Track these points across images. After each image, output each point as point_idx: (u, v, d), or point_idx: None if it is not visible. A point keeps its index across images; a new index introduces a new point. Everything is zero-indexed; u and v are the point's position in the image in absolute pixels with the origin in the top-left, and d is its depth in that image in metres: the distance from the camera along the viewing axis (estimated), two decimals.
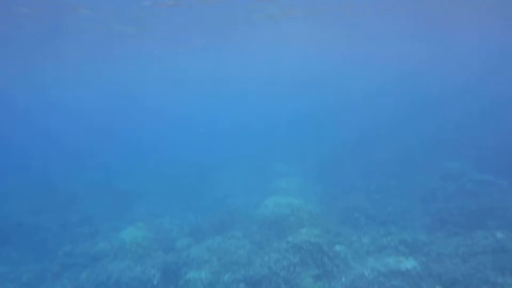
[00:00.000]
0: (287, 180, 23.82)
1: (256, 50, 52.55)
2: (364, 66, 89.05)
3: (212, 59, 56.41)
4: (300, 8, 27.25)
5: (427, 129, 34.33)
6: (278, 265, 12.02)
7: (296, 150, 33.13)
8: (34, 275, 16.46)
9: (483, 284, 10.85)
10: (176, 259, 14.94)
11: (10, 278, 16.28)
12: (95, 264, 16.19)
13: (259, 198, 19.51)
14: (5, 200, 26.80)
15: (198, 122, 58.38)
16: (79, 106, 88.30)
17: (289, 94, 76.37)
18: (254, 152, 35.78)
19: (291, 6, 26.10)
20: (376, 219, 17.53)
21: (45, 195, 27.13)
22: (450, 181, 20.11)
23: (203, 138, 47.19)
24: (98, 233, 20.16)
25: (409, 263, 12.38)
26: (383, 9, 30.28)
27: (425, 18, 36.45)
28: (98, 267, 15.50)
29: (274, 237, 15.66)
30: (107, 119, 72.62)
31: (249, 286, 11.85)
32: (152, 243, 17.19)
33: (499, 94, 52.48)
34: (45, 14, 21.86)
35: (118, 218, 22.28)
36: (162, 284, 13.87)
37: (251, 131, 47.06)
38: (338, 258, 13.02)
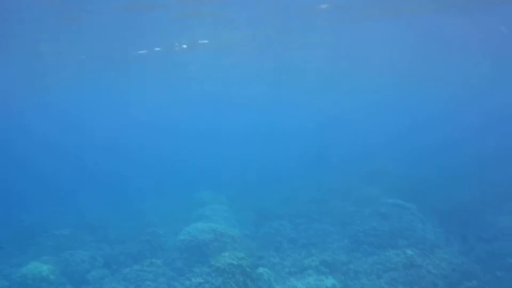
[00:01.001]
0: (211, 208, 23.48)
1: None
2: None
3: None
4: None
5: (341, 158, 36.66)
6: None
7: (221, 178, 33.18)
8: None
9: None
10: None
11: None
12: None
13: (182, 226, 18.94)
14: None
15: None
16: None
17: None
18: (179, 181, 35.11)
19: None
20: (298, 242, 17.85)
21: None
22: (365, 205, 21.27)
23: (126, 166, 45.06)
24: None
25: (329, 282, 12.66)
26: None
27: None
28: None
29: (196, 262, 15.16)
30: None
31: None
32: (59, 277, 15.58)
33: (409, 120, 57.79)
34: None
35: (19, 254, 20.00)
36: None
37: (172, 159, 46.33)
38: (261, 280, 12.92)
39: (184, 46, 32.67)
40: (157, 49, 33.86)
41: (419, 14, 28.00)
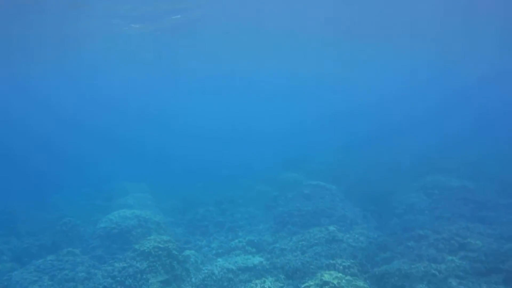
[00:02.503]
0: (134, 197, 22.57)
1: None
2: None
3: None
4: None
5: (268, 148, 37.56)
6: (124, 274, 11.01)
7: (144, 168, 32.09)
8: None
9: (319, 269, 11.86)
10: None
11: None
12: None
13: (102, 215, 17.91)
14: None
15: None
16: None
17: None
18: (98, 172, 33.28)
19: None
20: (225, 226, 17.83)
21: None
22: (289, 189, 21.91)
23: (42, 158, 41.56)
24: None
25: (256, 260, 12.82)
26: None
27: None
28: None
29: (119, 250, 14.44)
30: None
31: None
32: None
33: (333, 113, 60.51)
34: None
35: None
36: None
37: (91, 152, 43.84)
38: (188, 262, 12.68)
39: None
40: None
41: None
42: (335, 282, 9.46)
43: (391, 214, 17.67)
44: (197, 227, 17.88)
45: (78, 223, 18.01)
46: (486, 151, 27.70)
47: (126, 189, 25.44)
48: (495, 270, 10.70)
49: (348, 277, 9.98)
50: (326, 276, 9.72)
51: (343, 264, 11.20)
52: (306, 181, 21.87)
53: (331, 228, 14.50)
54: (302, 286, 9.79)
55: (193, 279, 11.32)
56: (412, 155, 28.57)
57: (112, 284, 10.42)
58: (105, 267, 11.62)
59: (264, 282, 9.99)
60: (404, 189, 20.39)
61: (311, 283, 9.67)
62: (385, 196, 20.35)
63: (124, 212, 16.43)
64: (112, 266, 11.54)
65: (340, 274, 10.02)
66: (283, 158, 32.22)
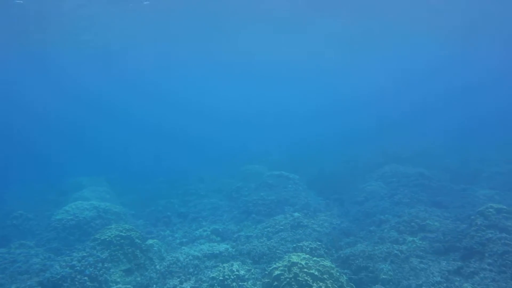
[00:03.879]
0: (91, 190, 21.64)
1: None
2: None
3: None
4: None
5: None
6: (84, 263, 10.45)
7: (102, 164, 30.96)
8: None
9: (285, 253, 11.86)
10: None
11: None
12: None
13: (57, 209, 16.99)
14: None
15: None
16: None
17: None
18: (53, 168, 31.73)
19: None
20: (188, 217, 17.48)
21: None
22: (252, 181, 21.88)
23: None
24: None
25: (221, 247, 12.62)
26: None
27: None
28: None
29: (76, 242, 13.75)
30: None
31: None
32: None
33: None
34: None
35: None
36: None
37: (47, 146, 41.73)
38: (151, 251, 12.27)
39: None
40: None
41: None
42: (303, 262, 9.47)
43: (353, 202, 18.04)
44: (159, 219, 17.39)
45: (30, 217, 17.03)
46: (438, 143, 29.06)
47: (82, 183, 24.37)
48: (452, 248, 11.15)
49: (315, 258, 10.04)
50: (294, 258, 9.71)
51: (310, 246, 11.26)
52: (268, 172, 21.90)
53: (296, 214, 14.59)
54: (270, 268, 9.73)
55: (157, 266, 10.95)
56: (370, 148, 29.42)
57: (71, 274, 9.84)
58: (63, 258, 11.00)
59: (232, 265, 9.83)
60: (364, 179, 20.93)
61: (279, 265, 9.63)
62: (346, 186, 20.81)
63: (82, 203, 15.71)
64: (71, 256, 10.93)
65: (308, 256, 10.06)
66: (245, 152, 32.27)
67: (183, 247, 12.93)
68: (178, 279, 9.81)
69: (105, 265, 10.69)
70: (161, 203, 19.51)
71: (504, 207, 11.19)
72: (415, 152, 25.04)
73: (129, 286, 9.92)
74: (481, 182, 18.06)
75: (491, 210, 11.18)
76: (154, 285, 9.81)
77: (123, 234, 11.80)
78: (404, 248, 11.75)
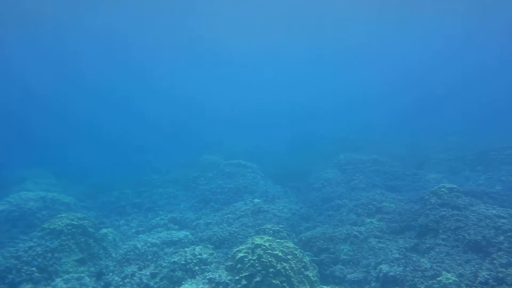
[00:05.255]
0: (34, 182, 20.30)
1: None
2: None
3: None
4: None
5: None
6: (31, 253, 9.65)
7: (47, 155, 29.14)
8: None
9: (246, 238, 11.70)
10: None
11: None
12: None
13: None
14: None
15: None
16: None
17: None
18: None
19: None
20: (143, 207, 16.84)
21: None
22: (209, 170, 21.49)
23: None
24: None
25: (181, 234, 12.24)
26: None
27: None
28: None
29: (21, 234, 12.72)
30: None
31: None
32: None
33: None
34: None
35: None
36: None
37: None
38: (106, 240, 11.62)
39: None
40: None
41: None
42: (267, 244, 9.35)
43: (310, 189, 18.23)
44: (113, 209, 16.60)
45: None
46: (384, 132, 30.26)
47: (24, 176, 22.73)
48: (409, 227, 11.52)
49: (278, 240, 9.96)
50: (257, 240, 9.56)
51: (273, 228, 11.18)
52: (226, 161, 21.64)
53: (256, 200, 14.48)
54: (233, 251, 9.52)
55: (113, 254, 10.38)
56: (326, 138, 30.00)
57: (16, 265, 9.05)
58: (6, 249, 10.10)
59: (194, 249, 9.49)
60: (320, 167, 21.23)
61: (243, 247, 9.45)
62: (303, 175, 21.03)
63: (26, 193, 14.62)
64: (16, 247, 10.08)
65: (271, 238, 9.95)
66: (198, 142, 31.80)
67: (140, 235, 12.38)
68: (137, 266, 9.35)
69: (55, 255, 9.95)
70: (114, 194, 18.65)
71: (455, 186, 11.72)
72: (367, 141, 25.81)
73: (83, 275, 9.29)
74: (429, 167, 18.93)
75: (443, 189, 11.66)
76: (111, 273, 9.27)
77: (75, 223, 11.08)
78: (363, 229, 11.99)
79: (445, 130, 29.48)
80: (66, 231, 10.73)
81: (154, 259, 10.08)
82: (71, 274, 9.38)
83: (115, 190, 19.68)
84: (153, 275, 8.72)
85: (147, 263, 9.67)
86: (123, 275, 8.93)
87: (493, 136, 21.25)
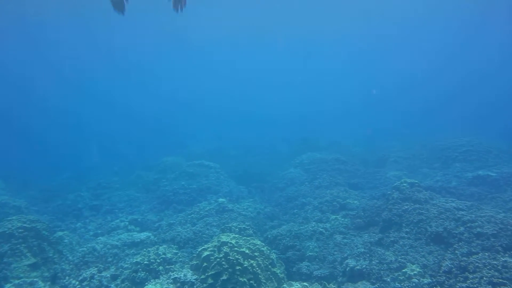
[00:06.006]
0: None
1: None
2: None
3: None
4: None
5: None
6: None
7: None
8: None
9: (210, 237, 11.44)
10: None
11: None
12: None
13: None
14: None
15: None
16: None
17: None
18: None
19: None
20: (102, 209, 16.11)
21: None
22: (170, 172, 20.96)
23: None
24: None
25: (142, 235, 11.77)
26: None
27: None
28: None
29: None
30: None
31: None
32: None
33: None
34: None
35: None
36: None
37: None
38: (61, 243, 10.94)
39: None
40: None
41: None
42: (233, 241, 9.14)
43: (274, 188, 18.18)
44: (68, 213, 15.75)
45: None
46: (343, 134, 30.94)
47: None
48: (373, 222, 11.68)
49: (245, 237, 9.77)
50: (224, 237, 9.34)
51: (239, 226, 10.97)
52: (188, 162, 21.20)
53: (221, 200, 14.22)
54: (199, 250, 9.23)
55: (70, 257, 9.76)
56: (287, 139, 30.17)
57: None
58: None
59: (158, 248, 9.10)
60: (283, 167, 21.25)
61: (209, 246, 9.18)
62: (266, 175, 20.96)
63: None
64: None
65: (237, 235, 9.75)
66: (158, 144, 31.08)
67: (99, 238, 11.78)
68: (96, 268, 8.83)
69: (5, 260, 9.23)
70: (69, 197, 17.70)
71: (416, 181, 12.04)
72: (329, 142, 26.18)
73: (36, 279, 8.66)
74: (389, 166, 19.43)
75: (405, 184, 11.93)
76: (67, 277, 8.69)
77: (27, 225, 10.35)
78: (328, 226, 12.04)
79: (403, 131, 30.49)
80: (17, 234, 9.99)
81: (115, 261, 9.58)
82: (22, 279, 8.71)
83: (71, 194, 18.71)
84: (114, 277, 8.25)
85: (107, 265, 9.17)
86: (81, 278, 8.40)
87: (447, 134, 22.15)
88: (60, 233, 11.36)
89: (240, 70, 73.74)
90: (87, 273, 8.63)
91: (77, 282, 8.27)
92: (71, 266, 9.30)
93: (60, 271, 9.06)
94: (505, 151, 17.72)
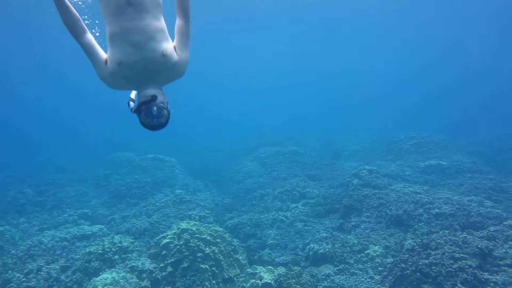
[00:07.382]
0: None
1: None
2: None
3: None
4: None
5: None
6: None
7: None
8: None
9: (168, 228, 10.93)
10: None
11: None
12: None
13: None
14: None
15: None
16: None
17: None
18: None
19: None
20: (47, 205, 14.97)
21: None
22: (122, 167, 20.03)
23: None
24: None
25: (94, 228, 11.05)
26: None
27: None
28: None
29: None
30: None
31: None
32: None
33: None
34: None
35: None
36: None
37: None
38: (2, 239, 9.97)
39: None
40: None
41: None
42: (194, 228, 8.75)
43: (231, 182, 17.87)
44: (9, 209, 14.45)
45: None
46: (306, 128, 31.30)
47: None
48: (333, 209, 11.71)
49: (206, 224, 9.41)
50: (184, 225, 8.92)
51: (199, 214, 10.59)
52: (141, 156, 20.38)
53: (178, 191, 13.74)
54: (157, 238, 8.74)
55: (12, 251, 8.88)
56: (245, 135, 29.98)
57: None
58: None
59: (113, 237, 8.50)
60: (240, 162, 20.98)
61: (168, 233, 8.72)
62: (222, 170, 20.61)
63: None
64: None
65: (198, 222, 9.36)
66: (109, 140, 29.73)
67: (45, 232, 10.87)
68: (44, 261, 8.07)
69: None
70: (9, 194, 16.30)
71: (375, 168, 12.25)
72: (285, 137, 26.22)
73: None
74: (344, 158, 19.78)
75: (364, 171, 12.10)
76: (10, 271, 7.86)
77: None
78: (288, 214, 11.93)
79: (358, 127, 31.28)
80: None
81: (64, 253, 8.85)
82: None
83: (11, 191, 17.26)
84: (63, 269, 7.58)
85: (55, 257, 8.43)
86: (26, 271, 7.63)
87: (398, 129, 22.97)
88: (1, 228, 10.37)
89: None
90: (33, 265, 7.85)
91: (22, 275, 7.48)
92: (14, 259, 8.44)
93: (2, 265, 8.19)
94: (452, 143, 18.62)
